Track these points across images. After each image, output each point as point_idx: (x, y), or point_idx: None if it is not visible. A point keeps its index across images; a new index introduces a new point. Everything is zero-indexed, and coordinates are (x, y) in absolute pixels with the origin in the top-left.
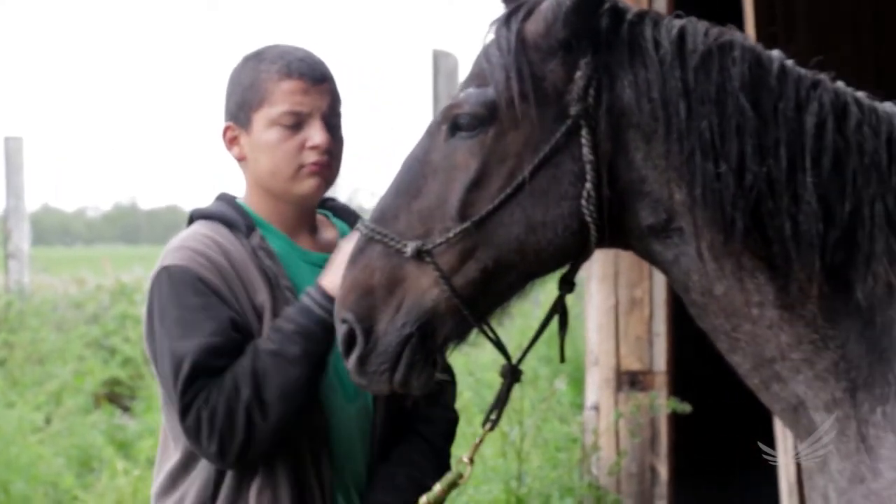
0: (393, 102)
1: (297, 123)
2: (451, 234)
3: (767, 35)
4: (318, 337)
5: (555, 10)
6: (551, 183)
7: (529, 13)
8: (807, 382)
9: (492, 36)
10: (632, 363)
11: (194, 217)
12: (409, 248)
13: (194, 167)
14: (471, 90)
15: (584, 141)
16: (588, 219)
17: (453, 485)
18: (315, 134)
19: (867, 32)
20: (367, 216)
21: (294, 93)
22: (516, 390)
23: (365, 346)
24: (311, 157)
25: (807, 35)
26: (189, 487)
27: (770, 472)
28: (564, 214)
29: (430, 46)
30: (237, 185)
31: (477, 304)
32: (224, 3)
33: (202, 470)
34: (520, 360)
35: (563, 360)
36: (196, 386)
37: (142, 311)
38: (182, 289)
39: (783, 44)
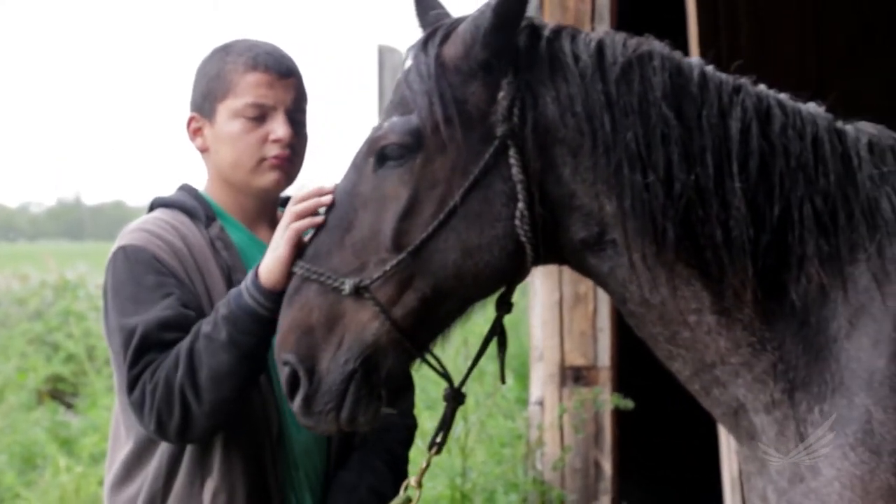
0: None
1: (260, 116)
2: (387, 267)
3: (710, 35)
4: (243, 324)
5: (473, 32)
6: (483, 205)
7: (447, 36)
8: (746, 385)
9: (410, 61)
10: (576, 358)
11: (155, 205)
12: (347, 285)
13: (142, 162)
14: (394, 119)
15: (513, 161)
16: (523, 238)
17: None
18: (278, 127)
19: (810, 31)
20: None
21: (259, 85)
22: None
23: (309, 386)
24: (272, 151)
25: (749, 35)
26: (144, 481)
27: (713, 467)
28: (499, 236)
29: (376, 42)
30: (189, 180)
31: (418, 334)
32: (226, 3)
33: (155, 462)
34: (462, 384)
35: (503, 381)
36: (145, 359)
37: (85, 306)
38: (137, 267)
39: (726, 44)
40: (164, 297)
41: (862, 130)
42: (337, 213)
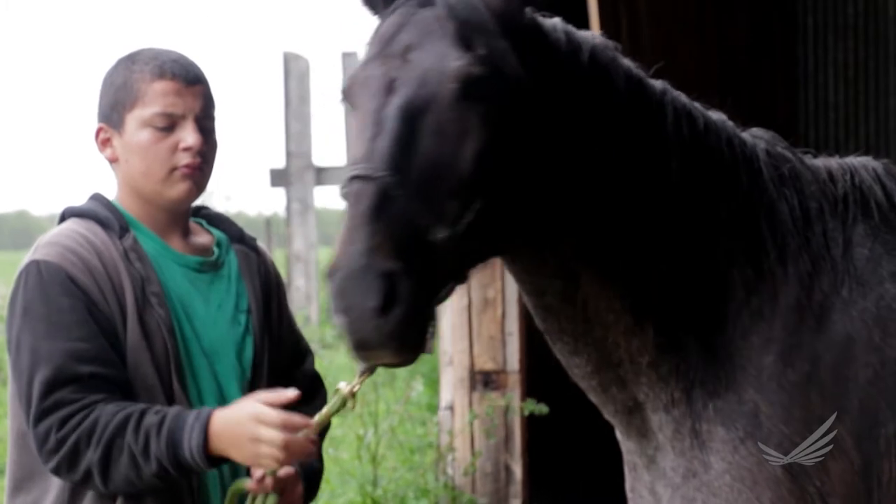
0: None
1: (169, 125)
2: (468, 212)
3: (611, 35)
4: (171, 474)
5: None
6: (545, 156)
7: None
8: (649, 384)
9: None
10: (485, 363)
11: (66, 215)
12: (437, 233)
13: (47, 171)
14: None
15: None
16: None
17: (342, 406)
18: (188, 136)
19: (711, 32)
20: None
21: (167, 94)
22: (372, 393)
23: (410, 304)
24: (183, 159)
25: (651, 36)
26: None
27: (621, 469)
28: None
29: (281, 49)
30: (98, 189)
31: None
32: (125, 10)
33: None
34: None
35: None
36: (57, 395)
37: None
38: (51, 287)
39: (627, 43)
40: (77, 324)
41: (757, 136)
42: (407, 134)
